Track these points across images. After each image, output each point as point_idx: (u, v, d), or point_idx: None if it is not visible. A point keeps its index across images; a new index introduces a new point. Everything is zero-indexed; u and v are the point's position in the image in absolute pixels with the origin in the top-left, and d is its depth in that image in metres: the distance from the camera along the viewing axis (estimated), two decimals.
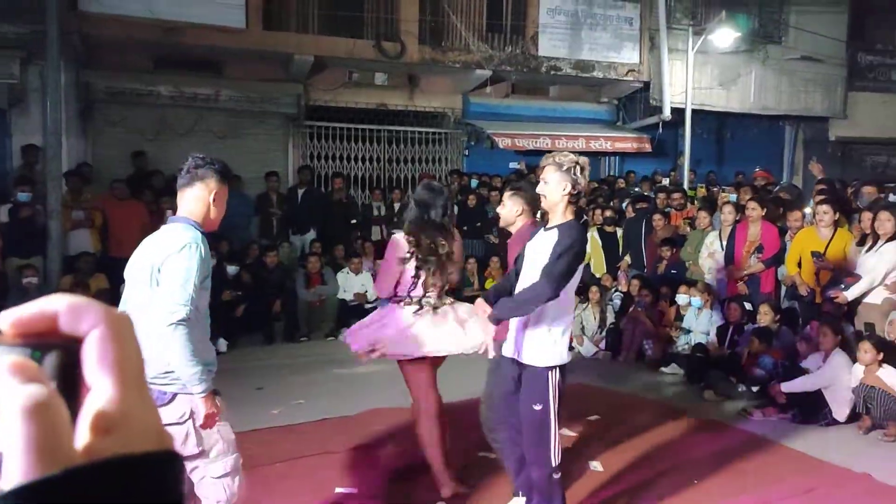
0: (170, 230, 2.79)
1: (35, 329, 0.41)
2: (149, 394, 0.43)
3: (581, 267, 3.30)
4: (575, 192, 3.16)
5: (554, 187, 3.18)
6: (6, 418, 0.37)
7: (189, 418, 2.73)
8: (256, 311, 8.24)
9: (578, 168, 3.14)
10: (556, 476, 3.40)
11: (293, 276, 8.77)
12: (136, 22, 9.39)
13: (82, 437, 0.39)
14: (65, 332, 0.41)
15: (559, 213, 3.24)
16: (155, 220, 8.76)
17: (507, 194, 4.20)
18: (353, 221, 10.29)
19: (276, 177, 10.33)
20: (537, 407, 3.28)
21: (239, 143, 10.95)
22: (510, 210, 4.16)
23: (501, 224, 4.33)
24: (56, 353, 0.40)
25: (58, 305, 0.41)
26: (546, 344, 3.29)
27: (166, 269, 2.67)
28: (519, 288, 3.35)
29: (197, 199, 2.80)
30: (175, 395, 2.71)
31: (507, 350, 3.42)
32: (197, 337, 2.69)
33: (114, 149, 10.28)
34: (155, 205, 8.94)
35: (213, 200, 2.81)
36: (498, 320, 3.28)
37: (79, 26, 9.21)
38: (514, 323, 3.37)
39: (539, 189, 3.29)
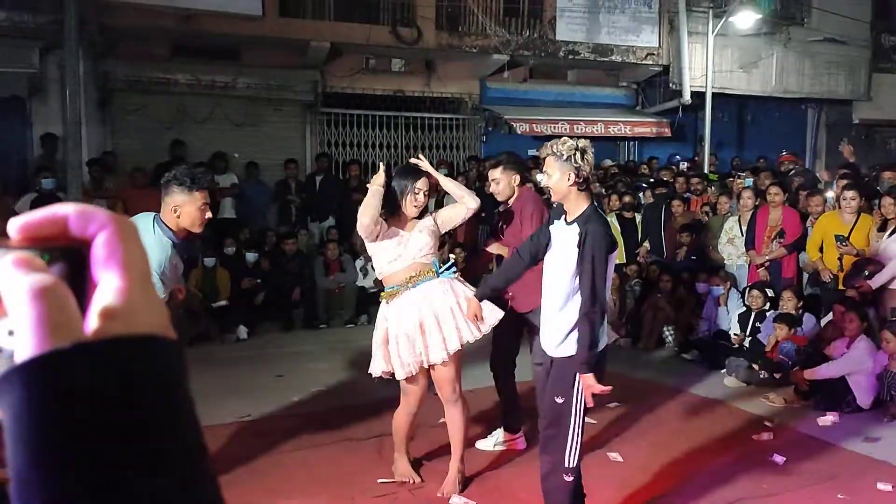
0: None
1: (44, 234, 0.43)
2: (155, 293, 0.45)
3: (612, 254, 3.14)
4: (581, 179, 3.06)
5: (558, 179, 3.08)
6: (16, 300, 0.39)
7: None
8: (276, 298, 8.29)
9: (579, 154, 3.05)
10: (568, 479, 3.16)
11: (312, 263, 8.78)
12: (154, 10, 9.38)
13: (91, 325, 0.41)
14: (74, 235, 0.43)
15: (572, 202, 3.12)
16: None
17: (497, 171, 4.32)
18: None
19: (294, 164, 10.32)
20: (559, 400, 3.18)
21: (257, 131, 10.97)
22: (507, 184, 4.30)
23: (500, 199, 4.42)
24: (63, 261, 0.42)
25: (67, 210, 0.43)
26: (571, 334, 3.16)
27: None
28: (547, 281, 3.24)
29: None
30: None
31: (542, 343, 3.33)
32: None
33: (133, 137, 10.32)
34: None
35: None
36: (588, 367, 3.04)
37: (97, 15, 9.24)
38: (544, 316, 3.30)
39: (544, 183, 3.24)
